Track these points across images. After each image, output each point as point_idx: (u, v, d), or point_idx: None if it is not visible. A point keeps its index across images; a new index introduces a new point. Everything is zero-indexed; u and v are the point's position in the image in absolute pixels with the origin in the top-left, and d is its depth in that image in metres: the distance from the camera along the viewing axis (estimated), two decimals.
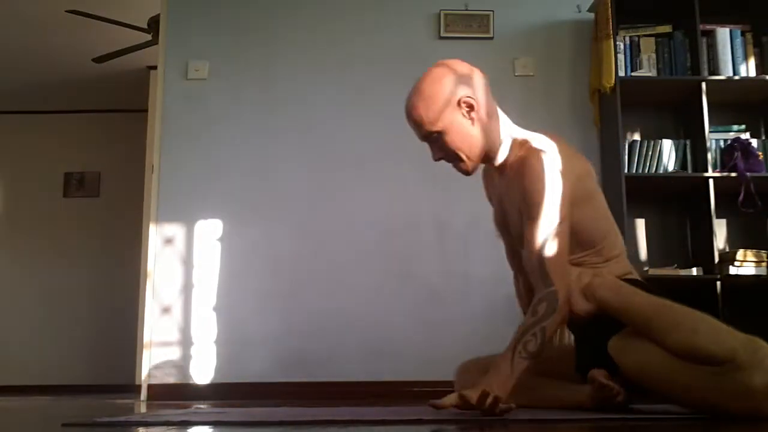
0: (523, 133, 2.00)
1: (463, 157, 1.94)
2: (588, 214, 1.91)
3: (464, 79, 1.92)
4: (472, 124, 1.91)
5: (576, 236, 1.88)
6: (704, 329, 1.57)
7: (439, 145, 1.93)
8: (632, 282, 1.89)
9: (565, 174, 1.86)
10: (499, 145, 1.97)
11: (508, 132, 2.00)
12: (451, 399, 1.63)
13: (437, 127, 1.90)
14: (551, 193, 1.83)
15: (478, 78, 1.95)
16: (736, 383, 1.48)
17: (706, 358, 1.52)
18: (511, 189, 1.95)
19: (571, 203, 1.85)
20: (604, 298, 1.76)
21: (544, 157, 1.86)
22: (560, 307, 1.76)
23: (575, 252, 1.90)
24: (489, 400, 1.57)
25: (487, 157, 1.98)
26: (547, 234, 1.81)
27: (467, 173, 1.98)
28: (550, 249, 1.81)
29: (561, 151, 1.90)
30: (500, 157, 1.98)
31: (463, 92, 1.90)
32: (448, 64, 1.95)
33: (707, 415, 1.59)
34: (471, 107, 1.90)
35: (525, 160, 1.89)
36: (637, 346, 1.68)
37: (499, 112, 2.00)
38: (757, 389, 1.46)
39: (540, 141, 1.93)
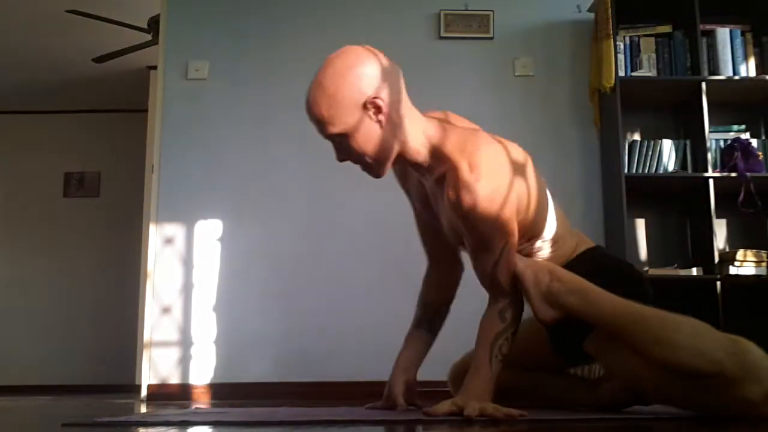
0: (442, 133, 1.76)
1: (369, 161, 1.75)
2: (530, 213, 1.81)
3: (372, 74, 1.69)
4: (381, 127, 1.70)
5: (521, 232, 1.79)
6: (684, 342, 1.48)
7: (343, 147, 1.73)
8: (586, 258, 1.84)
9: (507, 183, 1.73)
10: (417, 146, 1.75)
11: (423, 129, 1.76)
12: (444, 407, 1.63)
13: (340, 129, 1.69)
14: (497, 220, 1.69)
15: (389, 70, 1.73)
16: (730, 395, 1.44)
17: (691, 374, 1.46)
18: (445, 206, 1.77)
19: (517, 210, 1.75)
20: (569, 305, 1.67)
21: (486, 180, 1.67)
22: (519, 313, 1.77)
23: (521, 243, 1.81)
24: (508, 416, 1.58)
25: (400, 158, 1.77)
26: (497, 257, 1.73)
27: (377, 176, 1.80)
28: (503, 268, 1.74)
29: (495, 153, 1.73)
30: (418, 158, 1.77)
31: (371, 91, 1.68)
32: (355, 53, 1.72)
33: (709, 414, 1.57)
34: (379, 109, 1.69)
35: (466, 187, 1.67)
36: (617, 351, 1.62)
37: (410, 107, 1.77)
38: (754, 399, 1.43)
39: (472, 148, 1.71)
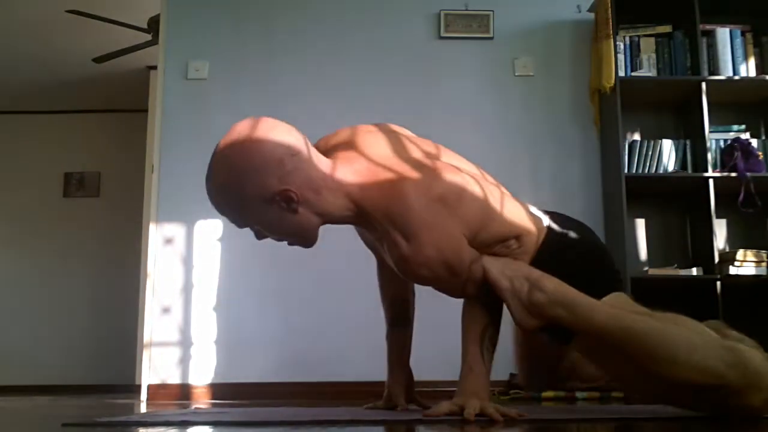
0: (359, 190, 1.63)
1: (293, 241, 1.68)
2: (491, 224, 1.71)
3: (275, 163, 1.55)
4: (296, 212, 1.60)
5: (486, 242, 1.72)
6: (683, 359, 1.44)
7: (261, 235, 1.68)
8: (552, 251, 1.76)
9: (450, 224, 1.62)
10: (342, 211, 1.66)
11: (344, 192, 1.64)
12: (444, 408, 1.62)
13: (252, 223, 1.63)
14: (451, 264, 1.63)
15: (292, 145, 1.58)
16: (733, 404, 1.44)
17: (692, 388, 1.45)
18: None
19: (474, 230, 1.67)
20: (555, 317, 1.58)
21: (426, 244, 1.58)
22: (498, 307, 1.71)
23: (492, 249, 1.74)
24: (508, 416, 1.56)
25: (329, 222, 1.69)
26: (464, 280, 1.67)
27: (307, 247, 1.72)
28: (470, 283, 1.68)
29: (424, 202, 1.58)
30: (348, 220, 1.69)
31: (275, 184, 1.55)
32: (250, 142, 1.55)
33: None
34: (290, 199, 1.57)
35: (407, 260, 1.60)
36: (609, 356, 1.59)
37: (322, 174, 1.62)
38: (756, 405, 1.43)
39: (398, 211, 1.58)
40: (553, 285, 1.61)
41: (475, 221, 1.67)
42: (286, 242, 1.70)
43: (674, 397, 1.52)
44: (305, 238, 1.68)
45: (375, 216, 1.62)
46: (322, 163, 1.65)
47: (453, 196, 1.64)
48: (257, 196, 1.56)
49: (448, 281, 1.68)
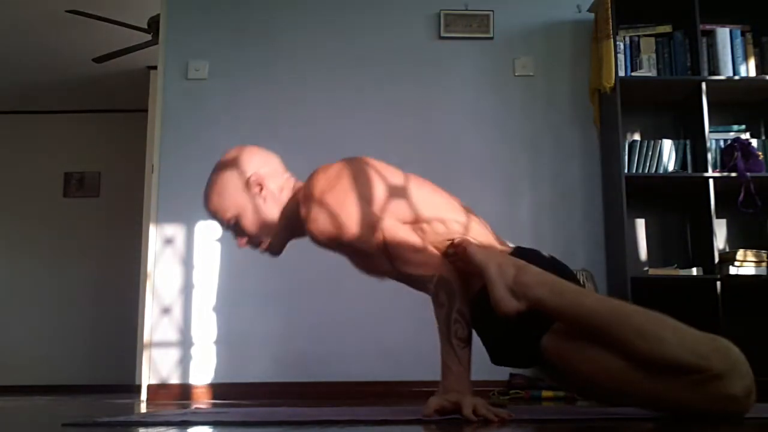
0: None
1: (263, 239, 1.93)
2: (424, 210, 1.80)
3: (249, 159, 1.94)
4: (265, 202, 1.91)
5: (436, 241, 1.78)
6: (670, 336, 1.46)
7: (239, 231, 1.92)
8: (524, 253, 1.77)
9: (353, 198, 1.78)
10: (292, 204, 1.93)
11: (294, 186, 1.98)
12: (433, 404, 1.60)
13: (233, 213, 1.90)
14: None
15: (264, 154, 1.98)
16: (715, 391, 1.42)
17: (677, 369, 1.44)
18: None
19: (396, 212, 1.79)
20: (539, 298, 1.58)
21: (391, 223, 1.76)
22: (451, 288, 1.69)
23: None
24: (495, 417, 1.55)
25: (295, 229, 1.93)
26: (380, 249, 1.76)
27: (275, 254, 1.97)
28: (399, 259, 1.75)
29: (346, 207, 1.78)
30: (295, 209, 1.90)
31: (251, 173, 1.92)
32: (233, 151, 1.98)
33: (677, 415, 1.55)
34: (261, 186, 1.91)
35: (311, 220, 1.79)
36: (583, 348, 1.57)
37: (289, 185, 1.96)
38: (737, 394, 1.42)
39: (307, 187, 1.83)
40: (539, 270, 1.64)
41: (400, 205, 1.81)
42: (258, 249, 1.95)
43: (654, 388, 1.50)
44: (272, 237, 1.93)
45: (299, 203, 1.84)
46: (289, 175, 2.02)
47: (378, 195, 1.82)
48: (236, 184, 1.91)
49: (367, 255, 1.80)
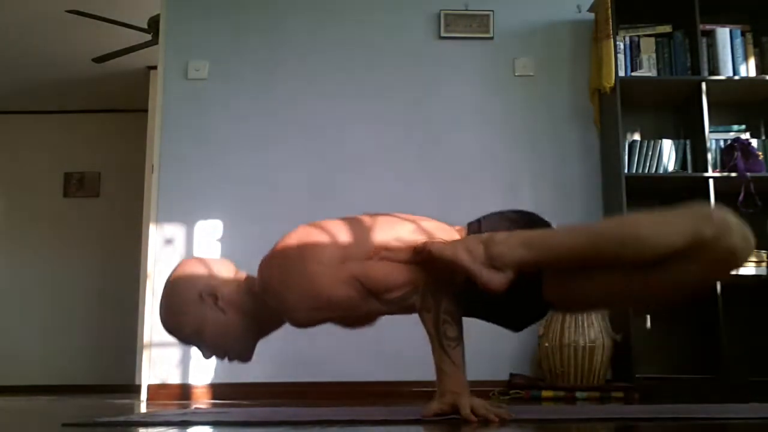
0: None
1: (228, 348, 1.82)
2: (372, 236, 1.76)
3: (199, 271, 1.85)
4: (224, 312, 1.80)
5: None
6: (648, 233, 1.49)
7: (201, 346, 1.83)
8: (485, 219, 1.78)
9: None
10: (250, 303, 1.86)
11: (245, 281, 1.92)
12: (434, 407, 1.61)
13: (192, 329, 1.80)
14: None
15: (211, 265, 1.90)
16: (718, 251, 1.46)
17: (674, 253, 1.47)
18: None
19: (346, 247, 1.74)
20: (521, 259, 1.57)
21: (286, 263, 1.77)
22: (435, 290, 1.67)
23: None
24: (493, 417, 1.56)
25: (263, 324, 1.86)
26: (354, 275, 1.69)
27: (245, 360, 1.86)
28: (371, 276, 1.69)
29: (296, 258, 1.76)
30: (260, 310, 1.85)
31: (201, 285, 1.81)
32: (180, 266, 1.88)
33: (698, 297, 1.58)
34: (215, 296, 1.80)
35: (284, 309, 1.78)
36: (582, 282, 1.60)
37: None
38: (738, 245, 1.45)
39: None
40: (505, 234, 1.62)
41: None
42: (226, 360, 1.84)
43: (659, 281, 1.52)
44: (242, 341, 1.82)
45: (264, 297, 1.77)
46: (242, 273, 1.94)
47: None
48: (188, 299, 1.79)
49: (349, 308, 1.71)
